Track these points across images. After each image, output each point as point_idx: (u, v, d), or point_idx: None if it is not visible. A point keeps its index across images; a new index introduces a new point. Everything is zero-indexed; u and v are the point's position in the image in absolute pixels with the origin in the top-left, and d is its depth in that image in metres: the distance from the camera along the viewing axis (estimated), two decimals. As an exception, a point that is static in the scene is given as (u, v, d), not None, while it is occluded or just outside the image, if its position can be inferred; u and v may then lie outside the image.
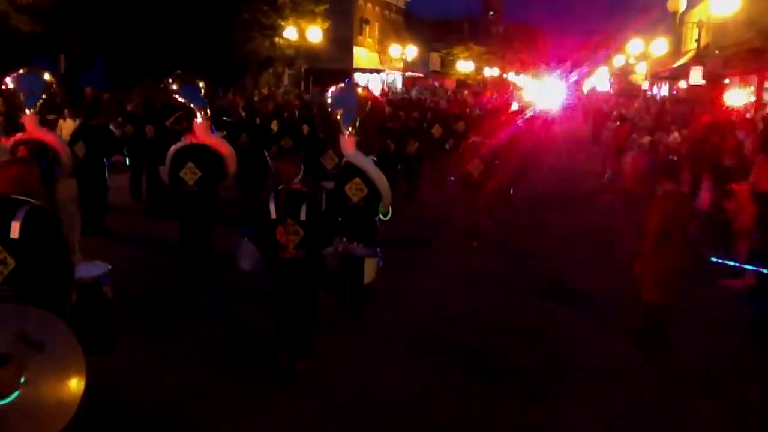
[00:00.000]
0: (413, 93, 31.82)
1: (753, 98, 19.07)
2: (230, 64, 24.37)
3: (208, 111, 8.29)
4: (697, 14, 27.90)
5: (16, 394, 2.91)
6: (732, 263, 8.64)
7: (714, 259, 8.86)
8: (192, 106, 8.27)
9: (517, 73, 69.90)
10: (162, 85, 13.25)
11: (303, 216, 5.52)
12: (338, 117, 7.28)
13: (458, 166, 10.77)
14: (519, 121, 17.33)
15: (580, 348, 6.73)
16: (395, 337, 6.78)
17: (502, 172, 11.96)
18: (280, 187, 5.64)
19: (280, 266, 5.65)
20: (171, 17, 21.84)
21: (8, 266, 3.96)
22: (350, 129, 7.17)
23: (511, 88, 57.05)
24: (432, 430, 5.19)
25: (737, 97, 21.10)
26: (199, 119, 8.13)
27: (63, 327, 3.36)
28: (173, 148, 8.16)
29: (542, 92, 32.89)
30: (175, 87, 8.59)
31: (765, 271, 8.02)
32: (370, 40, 39.12)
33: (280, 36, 26.35)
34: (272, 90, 26.85)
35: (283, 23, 25.99)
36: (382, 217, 7.22)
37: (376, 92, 30.50)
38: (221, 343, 6.49)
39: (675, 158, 11.04)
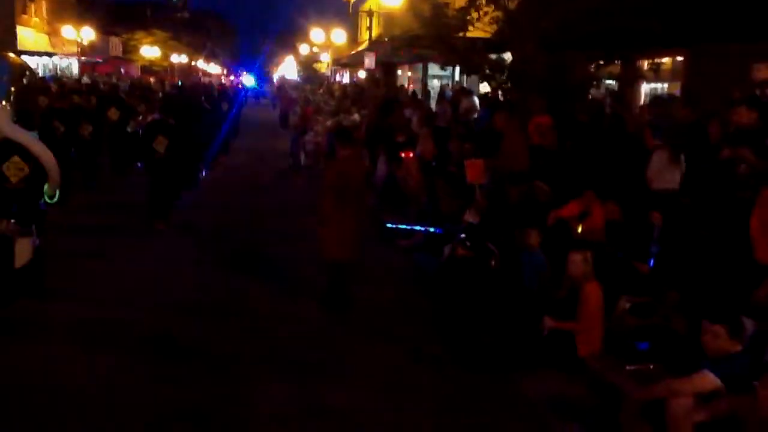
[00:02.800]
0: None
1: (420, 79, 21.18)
2: None
3: None
4: (368, 5, 29.97)
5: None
6: (403, 226, 9.45)
7: (389, 225, 9.62)
8: None
9: (207, 61, 68.89)
10: None
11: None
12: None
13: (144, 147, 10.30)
14: (210, 105, 17.31)
15: (270, 317, 6.82)
16: (69, 330, 6.21)
17: (191, 151, 11.75)
18: None
19: None
20: None
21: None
22: (3, 101, 6.33)
23: (200, 74, 56.29)
24: (121, 419, 4.83)
25: (406, 79, 23.26)
26: None
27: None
28: None
29: (235, 80, 32.94)
30: None
31: (431, 229, 8.91)
32: (36, 19, 35.28)
33: None
34: None
35: None
36: (47, 200, 6.47)
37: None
38: None
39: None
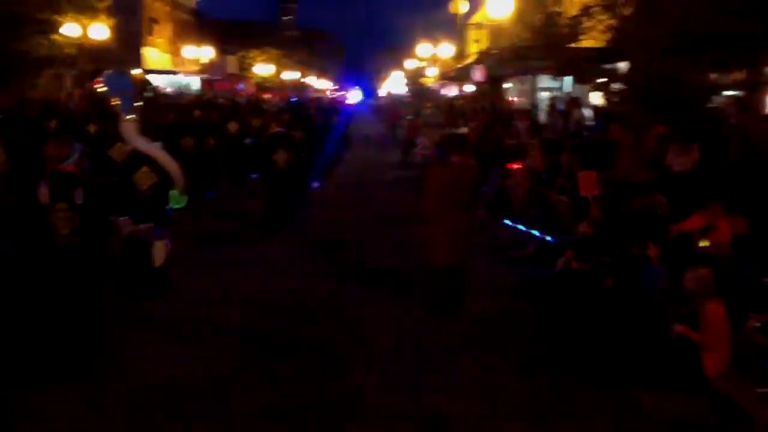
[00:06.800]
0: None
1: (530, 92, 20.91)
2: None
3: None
4: (477, 18, 29.93)
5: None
6: (521, 227, 9.34)
7: (505, 222, 9.52)
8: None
9: (318, 77, 70.80)
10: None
11: (78, 200, 5.11)
12: (117, 104, 6.84)
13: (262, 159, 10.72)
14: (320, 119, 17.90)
15: (378, 323, 6.88)
16: (193, 327, 6.51)
17: (307, 164, 12.14)
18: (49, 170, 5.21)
19: (54, 252, 5.19)
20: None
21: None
22: (130, 113, 6.76)
23: (311, 90, 57.98)
24: (236, 417, 5.01)
25: (515, 92, 23.00)
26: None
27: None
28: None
29: (342, 95, 33.76)
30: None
31: (547, 238, 8.76)
32: (161, 40, 37.51)
33: (58, 33, 24.29)
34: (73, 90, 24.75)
35: (60, 19, 23.97)
36: (174, 206, 6.86)
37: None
38: None
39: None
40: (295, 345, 6.29)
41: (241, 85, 45.82)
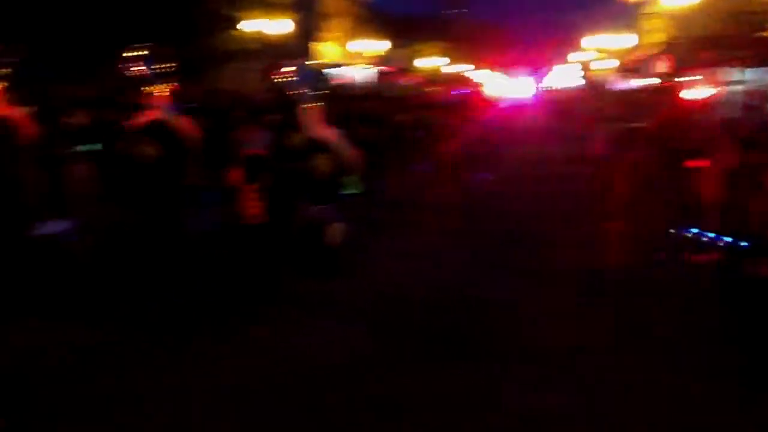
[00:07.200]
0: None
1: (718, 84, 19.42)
2: (189, 58, 23.85)
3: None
4: (652, 7, 28.23)
5: None
6: (708, 234, 8.67)
7: (688, 232, 8.89)
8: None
9: (484, 69, 70.25)
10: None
11: (266, 182, 5.41)
12: (300, 92, 7.18)
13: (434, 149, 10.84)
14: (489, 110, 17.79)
15: (543, 319, 6.68)
16: (353, 309, 6.72)
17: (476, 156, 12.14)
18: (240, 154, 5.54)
19: (241, 232, 5.52)
20: (127, 8, 21.34)
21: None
22: (312, 102, 7.06)
23: (474, 83, 57.68)
24: (382, 402, 5.05)
25: (703, 84, 21.41)
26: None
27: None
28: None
29: (506, 87, 33.32)
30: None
31: (742, 243, 8.07)
32: (335, 34, 38.92)
33: (243, 29, 25.95)
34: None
35: (245, 15, 25.59)
36: (350, 191, 7.10)
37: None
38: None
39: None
40: (450, 333, 6.27)
41: (408, 78, 46.54)
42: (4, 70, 8.65)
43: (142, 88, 8.10)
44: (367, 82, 38.70)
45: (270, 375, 5.31)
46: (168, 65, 8.02)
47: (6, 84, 8.39)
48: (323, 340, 5.97)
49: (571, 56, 46.94)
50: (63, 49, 22.11)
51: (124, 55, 8.31)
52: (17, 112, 8.77)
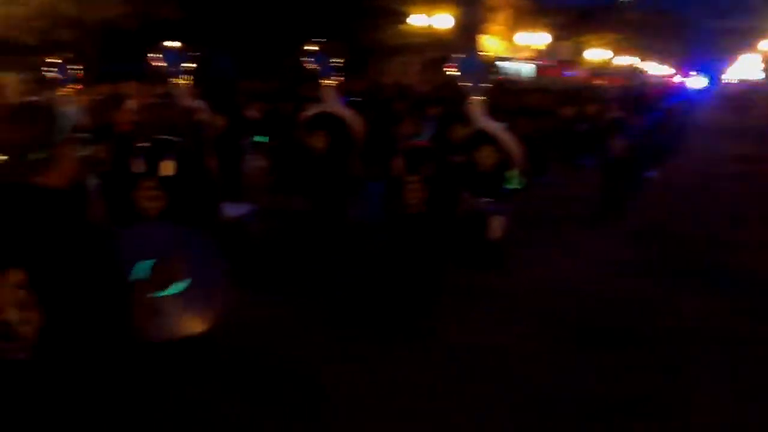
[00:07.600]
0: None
1: None
2: (356, 52, 24.63)
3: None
4: None
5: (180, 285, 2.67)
6: None
7: None
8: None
9: (657, 62, 66.47)
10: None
11: (428, 173, 5.46)
12: (466, 84, 7.14)
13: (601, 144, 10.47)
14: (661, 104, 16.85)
15: (724, 336, 6.23)
16: (523, 308, 6.55)
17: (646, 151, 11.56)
18: (403, 145, 5.64)
19: (404, 222, 5.63)
20: (296, 4, 22.33)
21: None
22: (479, 95, 7.01)
23: (644, 75, 54.77)
24: (561, 404, 4.94)
25: None
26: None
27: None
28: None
29: (680, 80, 31.34)
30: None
31: None
32: (498, 27, 38.52)
33: (408, 23, 26.36)
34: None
35: (411, 9, 25.98)
36: (513, 186, 6.99)
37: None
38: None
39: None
40: (608, 334, 6.01)
41: (572, 71, 45.16)
42: (189, 67, 9.48)
43: (316, 82, 8.51)
44: (530, 75, 38.03)
45: (449, 371, 5.23)
46: (339, 60, 8.36)
47: (192, 79, 9.17)
48: (490, 334, 5.93)
49: (752, 48, 43.24)
50: (246, 46, 23.66)
51: (302, 48, 8.79)
52: (202, 106, 9.56)
